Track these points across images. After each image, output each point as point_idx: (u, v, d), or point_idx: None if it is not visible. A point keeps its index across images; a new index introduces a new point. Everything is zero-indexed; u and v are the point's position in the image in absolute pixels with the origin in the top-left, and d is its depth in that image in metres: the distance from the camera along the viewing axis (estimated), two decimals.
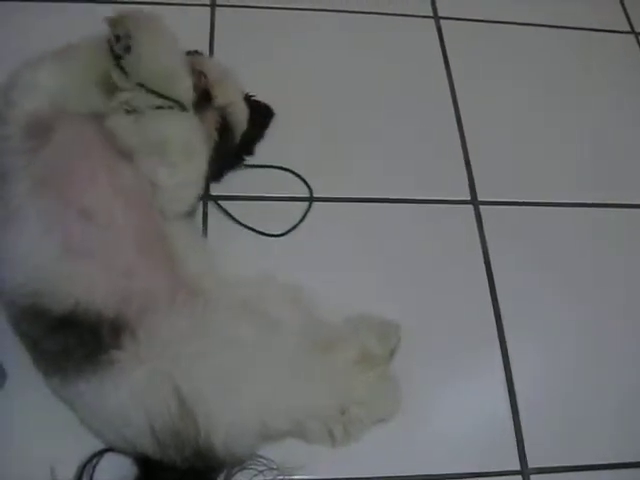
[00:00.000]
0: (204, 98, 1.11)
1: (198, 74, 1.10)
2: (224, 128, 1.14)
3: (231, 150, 1.20)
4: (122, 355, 0.89)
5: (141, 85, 1.00)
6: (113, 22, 0.99)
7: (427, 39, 1.53)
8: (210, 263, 1.07)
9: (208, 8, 1.46)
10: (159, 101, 1.01)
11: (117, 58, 0.98)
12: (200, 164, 1.06)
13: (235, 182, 1.24)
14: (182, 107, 1.03)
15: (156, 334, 0.91)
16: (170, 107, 1.02)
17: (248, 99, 1.24)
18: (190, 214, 1.13)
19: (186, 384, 0.88)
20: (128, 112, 1.00)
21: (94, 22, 1.00)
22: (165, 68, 1.02)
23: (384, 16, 1.54)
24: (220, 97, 1.14)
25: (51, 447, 0.96)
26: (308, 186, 1.26)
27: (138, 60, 0.98)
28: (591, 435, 1.10)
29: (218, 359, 0.91)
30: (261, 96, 1.26)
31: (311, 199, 1.25)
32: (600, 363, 1.17)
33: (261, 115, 1.27)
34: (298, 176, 1.27)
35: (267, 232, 1.19)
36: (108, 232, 0.94)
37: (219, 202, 1.21)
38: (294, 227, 1.21)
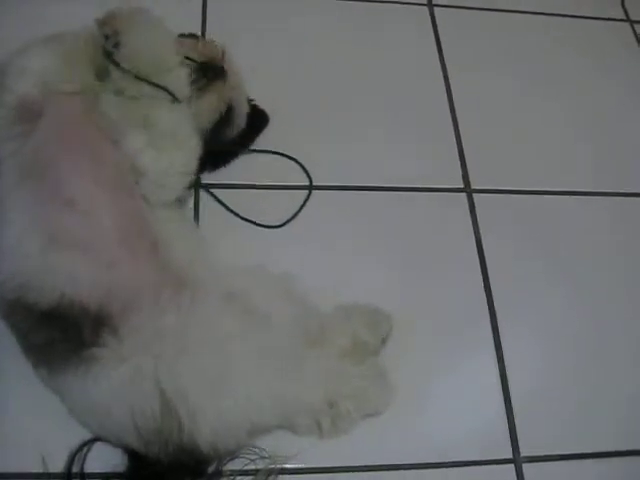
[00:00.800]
0: (220, 74, 1.13)
1: (222, 51, 1.14)
2: (229, 109, 1.16)
3: (226, 137, 1.20)
4: (104, 352, 0.88)
5: (133, 74, 1.02)
6: (100, 22, 1.03)
7: (421, 26, 1.53)
8: (199, 251, 1.06)
9: None
10: (149, 89, 1.03)
11: (109, 54, 1.02)
12: (188, 154, 1.07)
13: (229, 170, 1.24)
14: (173, 97, 1.05)
15: (139, 331, 0.90)
16: (162, 96, 1.04)
17: (247, 101, 1.24)
18: (180, 203, 1.13)
19: (169, 382, 0.87)
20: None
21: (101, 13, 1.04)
22: (154, 58, 1.04)
23: (378, 4, 1.54)
24: (232, 79, 1.15)
25: (42, 436, 0.95)
26: (308, 174, 1.25)
27: (128, 54, 1.01)
28: (583, 424, 1.10)
29: (203, 357, 0.90)
30: (257, 84, 1.24)
31: (311, 187, 1.24)
32: (594, 352, 1.17)
33: (256, 120, 1.26)
34: (299, 164, 1.26)
35: (265, 223, 1.19)
36: (90, 222, 0.94)
37: (212, 191, 1.20)
38: (294, 216, 1.20)
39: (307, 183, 1.25)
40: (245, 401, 0.91)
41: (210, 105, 1.13)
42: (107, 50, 1.02)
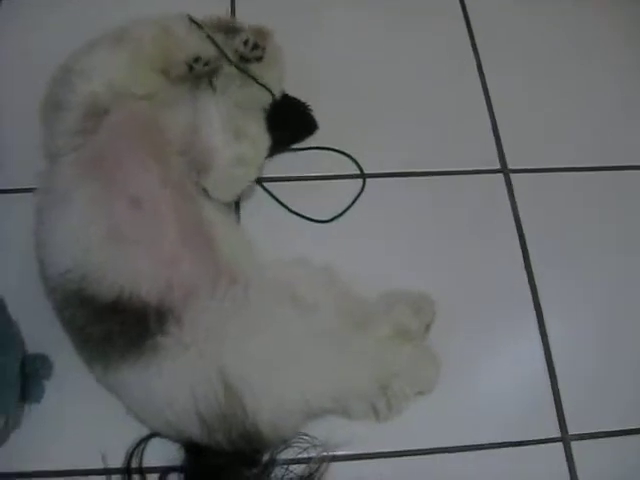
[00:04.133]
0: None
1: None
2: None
3: None
4: (167, 340, 0.90)
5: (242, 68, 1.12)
6: (257, 32, 1.12)
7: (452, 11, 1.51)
8: (246, 248, 1.08)
9: None
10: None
11: (243, 59, 1.11)
12: (259, 156, 1.11)
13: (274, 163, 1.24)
14: (271, 94, 1.18)
15: (200, 319, 0.92)
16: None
17: (304, 107, 1.27)
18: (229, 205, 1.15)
19: (231, 367, 0.89)
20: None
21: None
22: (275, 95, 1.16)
23: None
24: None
25: (99, 434, 0.98)
26: (358, 165, 1.26)
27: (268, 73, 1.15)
28: (632, 399, 1.10)
29: (261, 341, 0.92)
30: (296, 77, 1.25)
31: (364, 175, 1.25)
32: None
33: (301, 126, 1.28)
34: (349, 156, 1.27)
35: (305, 214, 1.20)
36: (154, 221, 0.96)
37: (264, 184, 1.22)
38: (344, 212, 1.21)
39: (356, 172, 1.26)
40: (301, 383, 0.93)
41: (276, 73, 1.19)
42: (246, 56, 1.11)
